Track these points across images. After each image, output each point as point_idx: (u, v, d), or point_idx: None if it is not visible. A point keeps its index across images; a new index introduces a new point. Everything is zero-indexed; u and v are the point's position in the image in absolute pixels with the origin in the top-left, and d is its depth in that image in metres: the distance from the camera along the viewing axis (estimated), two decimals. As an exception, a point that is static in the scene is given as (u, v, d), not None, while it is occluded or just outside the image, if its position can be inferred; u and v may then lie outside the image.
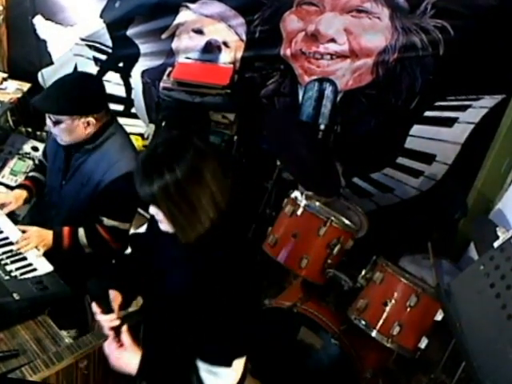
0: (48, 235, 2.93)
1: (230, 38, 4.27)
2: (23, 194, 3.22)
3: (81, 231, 2.99)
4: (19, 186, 3.30)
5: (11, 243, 2.84)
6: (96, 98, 2.96)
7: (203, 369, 2.07)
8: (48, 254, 2.85)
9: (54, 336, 2.37)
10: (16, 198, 3.18)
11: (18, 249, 2.79)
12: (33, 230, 2.91)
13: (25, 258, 2.75)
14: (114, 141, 3.02)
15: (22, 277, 2.59)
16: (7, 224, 3.01)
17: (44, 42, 4.74)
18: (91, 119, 2.88)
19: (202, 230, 2.02)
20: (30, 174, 3.43)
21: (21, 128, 4.36)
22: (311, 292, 3.43)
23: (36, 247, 2.84)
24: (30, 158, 4.12)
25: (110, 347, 2.15)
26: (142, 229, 2.64)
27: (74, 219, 3.05)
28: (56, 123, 2.87)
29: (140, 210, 3.48)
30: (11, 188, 3.66)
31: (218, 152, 2.24)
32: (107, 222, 2.98)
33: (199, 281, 2.05)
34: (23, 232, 2.91)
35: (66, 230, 2.98)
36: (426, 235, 3.32)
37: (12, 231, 2.95)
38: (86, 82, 2.96)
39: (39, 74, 4.77)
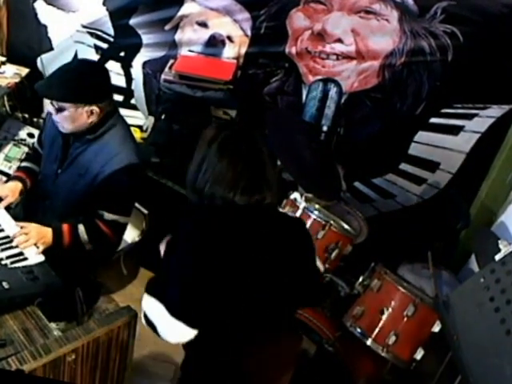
0: (47, 233, 2.87)
1: (235, 32, 4.21)
2: (18, 186, 3.16)
3: (81, 227, 2.93)
4: (13, 178, 3.23)
5: (2, 230, 2.81)
6: (102, 87, 2.93)
7: None
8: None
9: (42, 328, 2.34)
10: (12, 191, 3.12)
11: (17, 245, 2.73)
12: (32, 227, 2.85)
13: (16, 246, 2.71)
14: (115, 132, 2.99)
15: (13, 266, 2.56)
16: (-1, 212, 2.98)
17: (45, 27, 4.68)
18: (95, 108, 2.85)
19: None
20: (23, 164, 3.37)
21: (17, 113, 4.32)
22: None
23: (35, 244, 2.77)
24: (25, 145, 4.07)
25: None
26: None
27: (69, 210, 3.01)
28: (59, 110, 2.84)
29: (138, 205, 3.45)
30: (5, 174, 3.61)
31: None
32: (108, 216, 2.95)
33: None
34: (22, 228, 2.84)
35: (65, 227, 2.92)
36: (427, 244, 3.29)
37: (3, 218, 2.91)
38: (93, 71, 2.95)
39: (38, 60, 4.72)
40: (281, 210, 3.36)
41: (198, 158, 2.25)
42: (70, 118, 2.85)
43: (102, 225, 2.95)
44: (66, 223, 2.93)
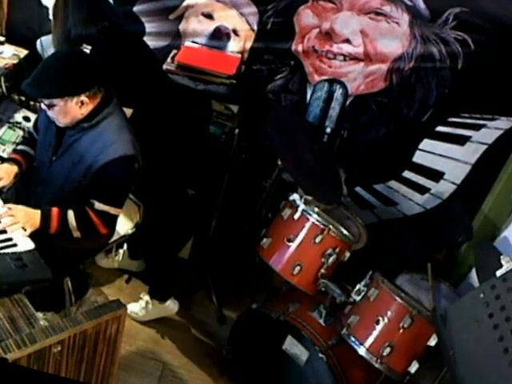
0: (35, 215, 2.82)
1: (241, 26, 4.14)
2: (14, 168, 3.11)
3: (70, 213, 2.89)
4: (9, 160, 3.18)
5: (-8, 215, 2.76)
6: (84, 76, 2.89)
7: None
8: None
9: (29, 317, 2.30)
10: (7, 174, 3.07)
11: (4, 229, 2.68)
12: (19, 209, 2.81)
13: (4, 232, 2.66)
14: (111, 121, 2.96)
15: (1, 251, 2.51)
16: (-12, 195, 2.93)
17: (46, 8, 4.58)
18: (84, 98, 2.83)
19: None
20: (19, 147, 3.32)
21: (14, 95, 4.22)
22: (302, 301, 3.34)
23: (22, 227, 2.73)
24: (20, 128, 3.98)
25: None
26: None
27: (62, 198, 2.97)
28: (49, 107, 2.83)
29: (131, 196, 3.41)
30: (-1, 157, 3.56)
31: None
32: (98, 205, 2.91)
33: None
34: (9, 209, 2.79)
35: (54, 210, 2.88)
36: (427, 255, 3.27)
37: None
38: (73, 61, 2.90)
39: (38, 42, 4.61)
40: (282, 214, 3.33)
41: (62, 19, 3.42)
42: (62, 112, 2.84)
43: (92, 213, 2.91)
44: (55, 205, 2.90)
